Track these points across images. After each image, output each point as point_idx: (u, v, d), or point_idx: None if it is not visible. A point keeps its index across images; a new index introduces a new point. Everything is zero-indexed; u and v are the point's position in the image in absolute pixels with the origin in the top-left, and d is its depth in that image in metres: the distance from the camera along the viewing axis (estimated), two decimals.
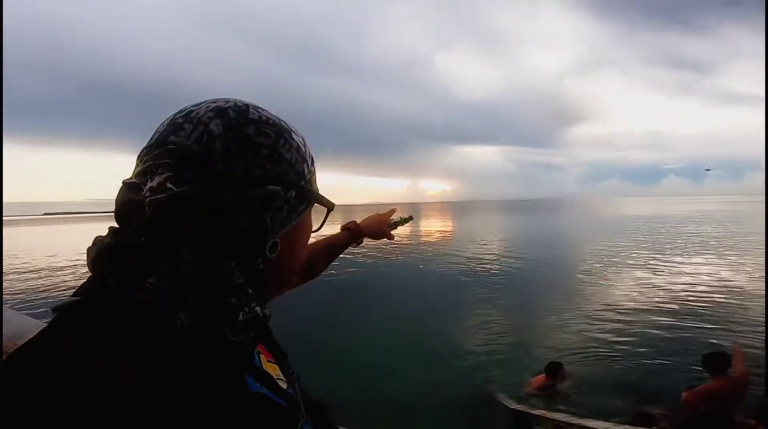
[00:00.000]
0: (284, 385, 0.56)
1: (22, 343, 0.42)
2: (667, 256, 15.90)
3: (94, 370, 0.37)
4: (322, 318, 8.19)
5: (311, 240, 0.65)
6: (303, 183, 0.54)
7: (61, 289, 12.46)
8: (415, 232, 28.61)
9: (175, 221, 0.44)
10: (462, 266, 14.86)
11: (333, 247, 1.14)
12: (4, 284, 12.87)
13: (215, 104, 0.50)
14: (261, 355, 0.57)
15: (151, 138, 0.50)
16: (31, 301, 10.96)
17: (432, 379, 5.83)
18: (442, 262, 16.11)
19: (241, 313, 0.45)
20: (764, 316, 6.89)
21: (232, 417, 0.40)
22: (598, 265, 14.21)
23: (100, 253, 0.45)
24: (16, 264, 18.04)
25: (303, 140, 0.56)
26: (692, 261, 14.63)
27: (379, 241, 1.26)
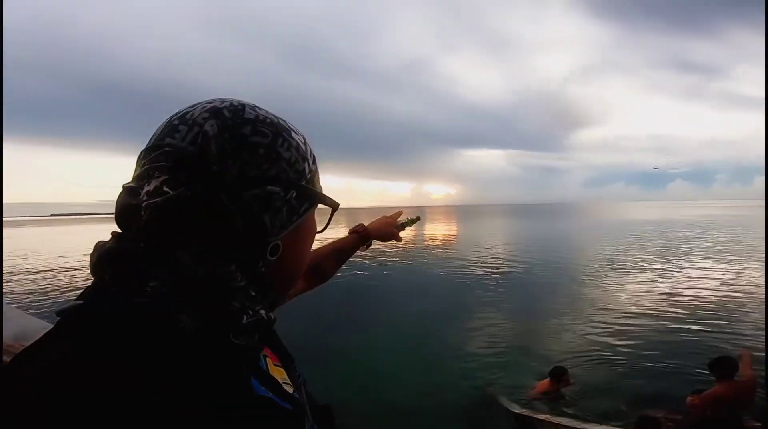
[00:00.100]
0: (290, 389, 0.55)
1: (28, 343, 0.42)
2: (672, 260, 15.77)
3: (96, 372, 0.37)
4: (326, 320, 8.19)
5: (317, 241, 0.64)
6: (304, 182, 0.52)
7: (69, 289, 12.52)
8: (420, 235, 28.58)
9: (171, 225, 0.44)
10: (466, 270, 14.81)
11: (341, 251, 1.13)
12: (12, 285, 13.01)
13: (211, 105, 0.49)
14: (267, 359, 0.57)
15: (149, 141, 0.49)
16: (39, 301, 11.02)
17: (435, 381, 5.81)
18: (447, 265, 16.05)
19: (245, 316, 0.44)
20: (765, 318, 6.84)
21: (237, 420, 0.40)
22: (602, 269, 14.11)
23: (101, 258, 0.45)
24: (25, 264, 18.15)
25: (304, 139, 0.55)
26: (698, 265, 14.49)
27: (383, 244, 1.25)
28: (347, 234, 1.17)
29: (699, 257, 16.43)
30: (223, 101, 0.50)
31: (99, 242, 0.47)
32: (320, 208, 0.58)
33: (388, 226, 1.22)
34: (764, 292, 8.92)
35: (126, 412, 0.35)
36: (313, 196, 0.54)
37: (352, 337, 7.66)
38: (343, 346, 7.08)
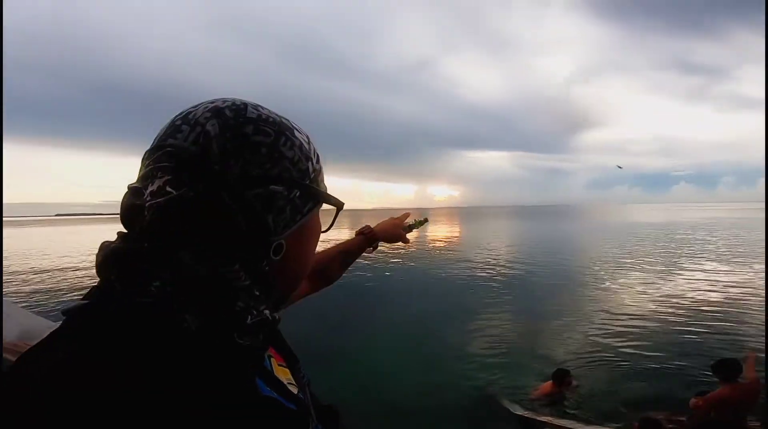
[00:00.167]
0: (295, 390, 0.55)
1: (33, 342, 0.43)
2: (676, 262, 15.70)
3: (100, 373, 0.37)
4: (328, 321, 8.17)
5: (321, 242, 0.63)
6: (307, 181, 0.52)
7: (74, 289, 12.56)
8: (422, 237, 28.54)
9: (174, 224, 0.44)
10: (469, 271, 14.78)
11: (348, 252, 1.12)
12: (19, 284, 13.07)
13: (213, 104, 0.49)
14: (272, 359, 0.57)
15: (153, 141, 0.49)
16: (43, 301, 11.07)
17: (437, 382, 5.80)
18: (449, 266, 16.04)
19: (249, 316, 0.44)
20: (765, 319, 6.80)
21: (242, 420, 0.40)
22: (606, 272, 14.06)
23: (106, 258, 0.45)
24: (31, 264, 18.24)
25: (307, 138, 0.54)
26: (702, 268, 14.43)
27: (387, 246, 1.24)
28: (354, 235, 1.15)
29: (703, 259, 16.35)
30: (225, 101, 0.50)
31: (104, 242, 0.47)
32: (326, 208, 0.57)
33: (395, 228, 1.20)
34: (764, 294, 8.88)
35: (130, 412, 0.35)
36: (317, 195, 0.54)
37: (354, 338, 7.66)
38: (345, 347, 7.08)
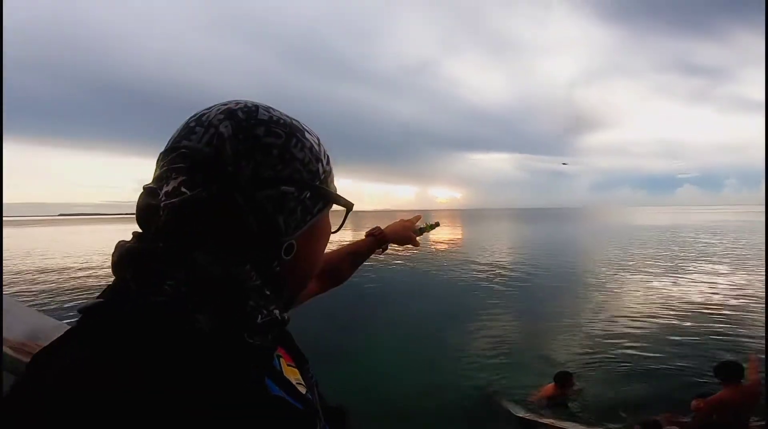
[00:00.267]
0: (303, 390, 0.56)
1: (41, 341, 0.44)
2: (679, 265, 15.64)
3: (114, 372, 0.37)
4: (330, 322, 8.18)
5: (331, 243, 0.63)
6: (318, 183, 0.53)
7: (84, 288, 12.61)
8: (425, 239, 28.48)
9: (188, 225, 0.45)
10: (471, 273, 14.78)
11: (357, 253, 1.12)
12: (27, 284, 13.09)
13: (226, 106, 0.50)
14: (281, 359, 0.57)
15: (168, 143, 0.50)
16: (48, 300, 11.10)
17: (438, 383, 5.80)
18: (452, 268, 16.04)
19: (259, 316, 0.45)
20: (765, 320, 6.77)
21: (252, 419, 0.41)
22: (609, 274, 14.02)
23: (121, 257, 0.46)
24: (36, 263, 18.32)
25: (318, 139, 0.55)
26: (705, 270, 14.38)
27: (396, 249, 1.24)
28: (363, 236, 1.15)
29: (706, 262, 16.30)
30: (237, 103, 0.51)
31: (120, 242, 0.48)
32: (336, 209, 0.58)
33: (405, 230, 1.19)
34: (765, 296, 8.85)
35: (142, 411, 0.36)
36: (327, 196, 0.54)
37: (356, 338, 7.68)
38: (346, 347, 7.10)
